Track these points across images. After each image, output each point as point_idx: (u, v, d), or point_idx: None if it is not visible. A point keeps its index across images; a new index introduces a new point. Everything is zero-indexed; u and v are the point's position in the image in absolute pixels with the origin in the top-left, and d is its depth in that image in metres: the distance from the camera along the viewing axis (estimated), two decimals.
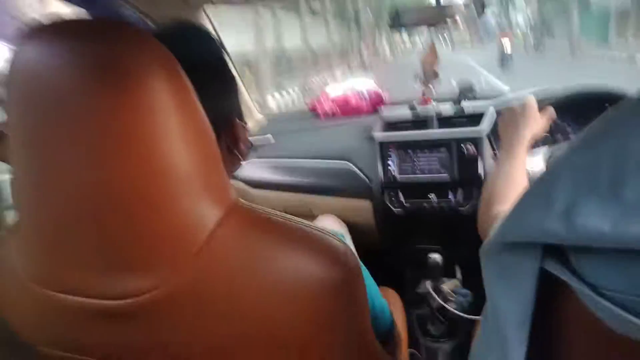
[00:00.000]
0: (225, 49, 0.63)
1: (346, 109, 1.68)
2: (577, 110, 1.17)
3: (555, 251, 0.34)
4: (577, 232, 0.29)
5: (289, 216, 0.43)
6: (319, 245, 0.42)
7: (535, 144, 1.19)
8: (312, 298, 0.40)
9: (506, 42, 12.80)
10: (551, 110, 0.90)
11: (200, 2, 1.15)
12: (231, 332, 0.38)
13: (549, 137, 1.21)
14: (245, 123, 0.66)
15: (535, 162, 0.99)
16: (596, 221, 0.28)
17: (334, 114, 1.68)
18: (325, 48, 17.40)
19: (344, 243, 0.45)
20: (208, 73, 0.58)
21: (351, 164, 1.40)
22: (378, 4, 26.95)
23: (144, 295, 0.36)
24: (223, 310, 0.38)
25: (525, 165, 0.79)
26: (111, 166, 0.34)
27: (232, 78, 0.63)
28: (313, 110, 1.74)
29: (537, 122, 0.86)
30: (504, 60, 12.82)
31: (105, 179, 0.34)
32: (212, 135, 0.40)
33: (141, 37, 0.37)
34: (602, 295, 0.30)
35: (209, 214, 0.38)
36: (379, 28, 29.88)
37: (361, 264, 0.62)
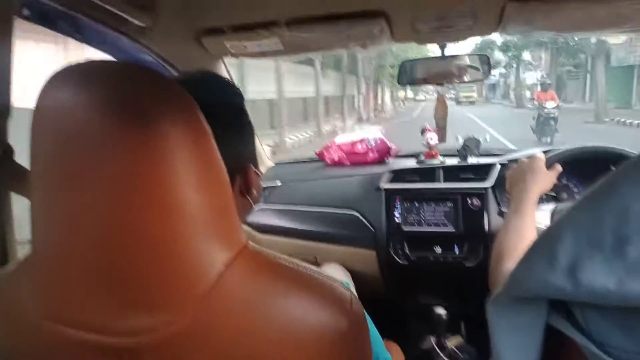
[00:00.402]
0: (243, 98, 0.66)
1: (353, 157, 1.71)
2: (582, 170, 1.20)
3: (561, 307, 0.34)
4: (582, 289, 0.30)
5: (297, 261, 0.44)
6: (327, 292, 0.42)
7: (541, 200, 1.21)
8: (319, 346, 0.40)
9: (549, 103, 9.45)
10: (558, 166, 0.91)
11: (221, 53, 1.21)
12: None
13: (554, 195, 1.23)
14: (260, 171, 0.68)
15: (542, 218, 1.01)
16: (601, 278, 0.29)
17: (341, 162, 1.72)
18: (336, 98, 18.10)
19: (351, 292, 0.45)
20: (227, 120, 0.60)
21: (357, 213, 1.42)
22: (379, 60, 25.32)
23: (151, 334, 0.36)
24: (229, 353, 0.38)
25: (534, 220, 0.79)
26: (126, 207, 0.35)
27: (250, 126, 0.65)
28: (321, 157, 1.77)
29: (545, 176, 0.86)
30: (544, 124, 9.44)
31: (120, 218, 0.35)
32: (227, 180, 0.41)
33: (163, 81, 0.38)
34: (607, 352, 0.30)
35: (219, 256, 0.38)
36: (381, 83, 28.94)
37: (366, 314, 0.62)
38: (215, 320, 0.38)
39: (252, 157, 0.64)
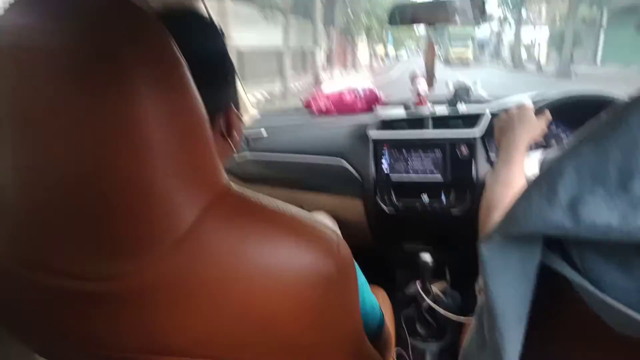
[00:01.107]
0: (225, 40, 0.62)
1: (341, 106, 1.67)
2: (571, 115, 1.18)
3: (557, 246, 0.33)
4: (583, 225, 0.29)
5: (282, 203, 0.42)
6: (313, 235, 0.41)
7: (530, 148, 1.19)
8: (305, 289, 0.39)
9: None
10: (547, 113, 0.89)
11: None
12: (216, 325, 0.37)
13: (543, 142, 1.22)
14: (241, 113, 0.65)
15: (530, 167, 1.00)
16: (603, 214, 0.28)
17: (328, 111, 1.67)
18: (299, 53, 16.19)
19: (338, 235, 0.44)
20: (208, 60, 0.57)
21: (344, 161, 1.40)
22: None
23: (126, 278, 0.35)
24: (210, 298, 0.36)
25: (524, 170, 0.78)
26: (93, 147, 0.32)
27: (232, 67, 0.62)
28: (308, 107, 1.73)
29: (534, 125, 0.85)
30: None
31: (87, 159, 0.32)
32: (204, 116, 0.38)
33: (133, 10, 0.35)
34: (604, 292, 0.29)
35: (195, 199, 0.36)
36: (352, 35, 23.20)
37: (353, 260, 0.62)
38: (195, 264, 0.36)
39: (233, 98, 0.62)
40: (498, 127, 0.90)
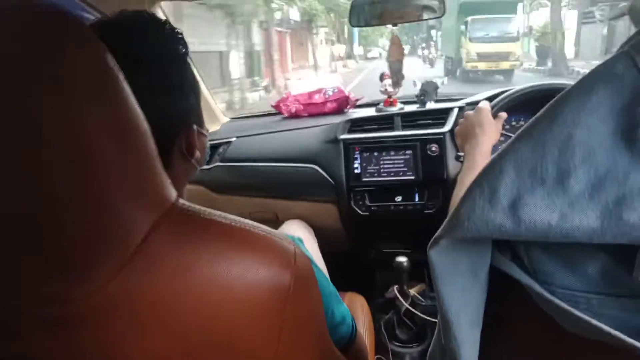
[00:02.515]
0: (186, 47, 0.58)
1: (311, 108, 1.64)
2: (536, 109, 1.18)
3: (505, 248, 0.33)
4: (523, 226, 0.28)
5: (234, 217, 0.41)
6: (267, 248, 0.40)
7: (498, 148, 1.20)
8: (261, 303, 0.38)
9: None
10: (503, 115, 0.90)
11: None
12: (173, 344, 0.36)
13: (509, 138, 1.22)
14: (206, 130, 0.62)
15: None
16: (543, 213, 0.28)
17: (298, 114, 1.65)
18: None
19: (295, 245, 0.43)
20: (166, 70, 0.54)
21: (317, 167, 1.37)
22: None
23: (76, 303, 0.33)
24: (163, 319, 0.36)
25: None
26: (33, 162, 0.30)
27: (193, 80, 0.59)
28: (277, 110, 1.70)
29: (493, 127, 0.85)
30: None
31: (29, 175, 0.30)
32: (146, 130, 0.37)
33: (62, 19, 0.33)
34: (552, 292, 0.29)
35: (143, 215, 0.35)
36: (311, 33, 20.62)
37: (317, 269, 0.60)
38: (145, 285, 0.35)
39: (195, 115, 0.58)
40: (458, 133, 0.90)
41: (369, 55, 36.93)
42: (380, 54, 34.88)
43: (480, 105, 0.88)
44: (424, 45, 26.65)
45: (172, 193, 0.39)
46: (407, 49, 36.14)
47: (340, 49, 26.65)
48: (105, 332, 0.35)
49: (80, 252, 0.33)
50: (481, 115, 0.86)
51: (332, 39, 25.68)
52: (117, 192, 0.34)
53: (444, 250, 0.36)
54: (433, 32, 31.74)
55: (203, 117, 0.61)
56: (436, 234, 0.37)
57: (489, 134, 0.83)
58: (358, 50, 33.99)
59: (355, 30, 23.36)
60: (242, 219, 0.41)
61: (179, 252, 0.37)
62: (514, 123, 1.25)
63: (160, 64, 0.53)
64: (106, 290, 0.34)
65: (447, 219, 0.36)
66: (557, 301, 0.28)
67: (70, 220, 0.32)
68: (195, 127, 0.57)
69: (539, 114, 0.31)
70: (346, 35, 30.16)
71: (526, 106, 1.17)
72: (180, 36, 0.57)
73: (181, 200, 0.40)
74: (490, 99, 1.19)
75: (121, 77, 0.35)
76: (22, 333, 0.35)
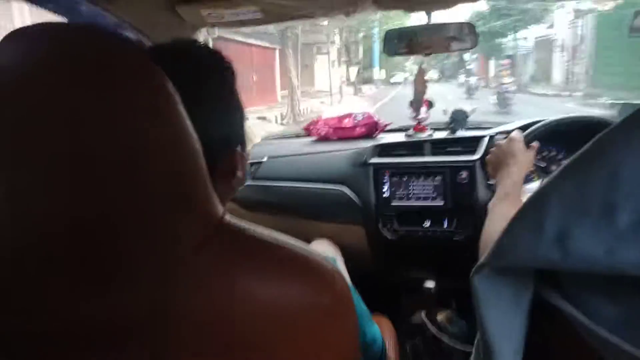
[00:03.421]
0: (234, 74, 0.62)
1: (341, 132, 1.68)
2: (567, 140, 1.18)
3: (549, 278, 0.33)
4: (571, 257, 0.29)
5: (278, 235, 0.42)
6: (309, 267, 0.41)
7: (530, 177, 1.19)
8: (301, 322, 0.39)
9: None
10: (535, 145, 0.90)
11: (197, 23, 1.15)
12: (215, 356, 0.36)
13: (544, 169, 1.22)
14: (247, 153, 0.65)
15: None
16: (590, 246, 0.28)
17: (328, 137, 1.68)
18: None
19: (334, 267, 0.43)
20: (215, 96, 0.57)
21: (346, 188, 1.39)
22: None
23: (124, 317, 0.34)
24: (206, 335, 0.36)
25: (521, 202, 0.78)
26: (84, 184, 0.32)
27: (239, 104, 0.62)
28: (308, 132, 1.74)
29: (525, 157, 0.85)
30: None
31: (79, 196, 0.32)
32: (198, 150, 0.38)
33: (123, 45, 0.35)
34: (595, 322, 0.29)
35: (193, 231, 0.36)
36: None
37: (353, 289, 0.60)
38: (191, 300, 0.36)
39: (239, 138, 0.61)
40: (490, 162, 0.91)
41: (392, 80, 34.20)
42: (406, 79, 32.05)
43: (512, 134, 0.89)
44: (462, 69, 25.37)
45: (220, 209, 0.40)
46: (434, 72, 34.29)
47: (351, 73, 22.63)
48: (143, 343, 0.35)
49: (130, 267, 0.34)
50: (514, 144, 0.86)
51: (344, 59, 22.10)
52: (171, 210, 0.35)
53: (487, 278, 0.37)
54: (467, 55, 30.32)
55: (246, 140, 0.64)
56: (480, 261, 0.37)
57: (521, 164, 0.83)
58: (379, 74, 29.94)
59: (376, 50, 22.01)
60: (285, 237, 0.42)
61: (223, 268, 0.37)
62: (545, 154, 1.25)
63: (211, 90, 0.56)
64: (152, 304, 0.35)
65: (491, 248, 0.36)
66: (602, 331, 0.28)
67: (121, 237, 0.33)
68: (238, 149, 0.60)
69: (583, 149, 0.31)
70: (360, 56, 26.60)
71: (558, 137, 1.17)
72: (228, 64, 0.61)
73: (228, 217, 0.41)
74: (522, 128, 1.19)
75: (178, 100, 0.37)
76: (67, 346, 0.36)
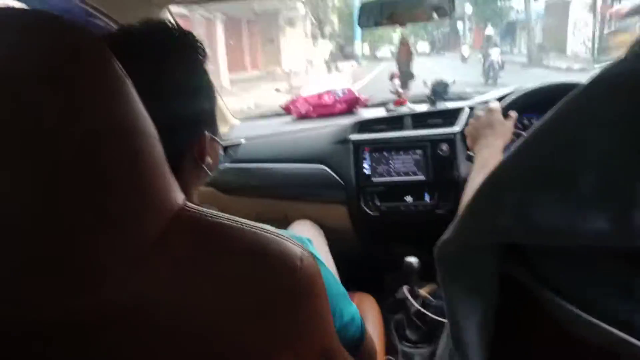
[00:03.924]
0: (205, 55, 0.59)
1: (321, 110, 1.65)
2: (548, 107, 1.16)
3: (515, 253, 0.33)
4: (532, 229, 0.28)
5: (241, 220, 0.41)
6: (273, 250, 0.41)
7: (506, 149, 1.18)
8: (268, 305, 0.39)
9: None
10: (513, 114, 0.89)
11: (163, 2, 1.09)
12: (181, 349, 0.36)
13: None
14: (220, 136, 0.62)
15: None
16: (551, 216, 0.27)
17: (308, 115, 1.65)
18: None
19: (303, 248, 0.43)
20: (184, 78, 0.54)
21: (326, 167, 1.37)
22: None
23: (88, 307, 0.34)
24: (171, 324, 0.36)
25: None
26: (46, 172, 0.31)
27: (210, 87, 0.59)
28: (287, 111, 1.70)
29: (504, 127, 0.85)
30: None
31: (41, 186, 0.31)
32: (154, 136, 0.37)
33: (71, 29, 0.34)
34: (562, 297, 0.29)
35: (154, 219, 0.36)
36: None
37: (327, 271, 0.59)
38: (154, 289, 0.36)
39: (210, 123, 0.59)
40: (469, 134, 0.90)
41: (378, 54, 30.74)
42: (393, 53, 27.78)
43: (490, 105, 0.87)
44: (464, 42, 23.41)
45: (180, 197, 0.40)
46: (425, 45, 32.41)
47: (324, 49, 19.14)
48: (113, 341, 0.35)
49: (89, 257, 0.34)
50: (492, 115, 0.85)
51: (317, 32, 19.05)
52: (124, 194, 0.34)
53: (451, 253, 0.36)
54: (460, 24, 28.66)
55: (217, 125, 0.62)
56: (443, 237, 0.37)
57: (500, 134, 0.83)
58: (361, 48, 26.47)
59: (355, 27, 18.74)
60: (248, 222, 0.42)
61: (187, 255, 0.37)
62: (525, 122, 1.23)
63: (177, 71, 0.54)
64: (118, 294, 0.34)
65: (454, 222, 0.36)
66: (568, 306, 0.28)
67: (78, 223, 0.33)
68: (207, 133, 0.58)
69: (546, 115, 0.30)
70: (337, 29, 24.56)
71: (538, 105, 1.15)
72: (199, 44, 0.58)
73: (189, 204, 0.40)
74: (500, 98, 1.18)
75: (128, 83, 0.36)
76: (39, 338, 0.35)
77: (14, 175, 0.31)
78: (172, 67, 0.54)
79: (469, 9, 25.48)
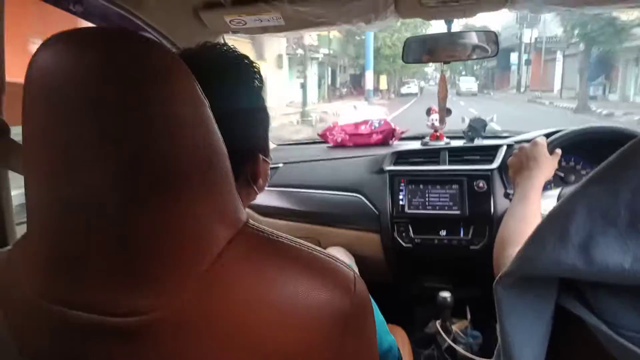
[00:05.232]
0: (262, 81, 0.62)
1: (357, 139, 1.68)
2: (589, 151, 1.17)
3: (571, 287, 0.33)
4: (595, 267, 0.29)
5: (299, 240, 0.42)
6: (329, 272, 0.41)
7: (548, 185, 1.18)
8: (321, 326, 0.39)
9: None
10: (558, 151, 0.89)
11: (220, 29, 1.16)
12: (236, 358, 0.37)
13: (563, 178, 1.20)
14: (270, 159, 0.65)
15: (548, 204, 0.98)
16: (615, 256, 0.28)
17: (344, 144, 1.68)
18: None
19: (355, 272, 0.44)
20: (242, 101, 0.57)
21: (361, 196, 1.39)
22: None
23: (150, 314, 0.35)
24: (229, 333, 0.37)
25: (540, 207, 0.77)
26: (123, 182, 0.33)
27: (265, 111, 0.62)
28: (324, 139, 1.74)
29: (547, 163, 0.84)
30: None
31: (117, 195, 0.33)
32: (225, 153, 0.39)
33: (159, 50, 0.36)
34: (618, 333, 0.29)
35: (220, 232, 0.37)
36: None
37: (371, 298, 0.60)
38: (215, 299, 0.37)
39: (263, 144, 0.61)
40: (511, 164, 0.89)
41: (404, 90, 26.66)
42: (422, 90, 25.26)
43: (537, 139, 0.87)
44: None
45: (244, 214, 0.41)
46: (468, 81, 28.41)
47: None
48: (173, 344, 0.36)
49: (158, 266, 0.35)
50: (537, 148, 0.85)
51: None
52: (201, 212, 0.36)
53: (511, 287, 0.36)
54: (513, 55, 25.30)
55: (269, 147, 0.64)
56: (504, 270, 0.37)
57: (544, 169, 0.83)
58: (376, 82, 21.15)
59: (370, 48, 17.59)
60: (305, 242, 0.42)
61: (247, 270, 0.38)
62: (563, 164, 1.24)
63: (239, 95, 0.57)
64: (181, 305, 0.35)
65: (515, 256, 0.36)
66: (623, 342, 0.28)
67: (153, 237, 0.34)
68: (261, 155, 0.60)
69: (611, 158, 0.31)
70: (335, 54, 19.74)
71: (578, 147, 1.16)
72: (256, 70, 0.61)
73: (251, 222, 0.42)
74: (548, 135, 1.18)
75: (207, 103, 0.38)
76: (92, 342, 0.37)
77: (99, 183, 0.33)
78: (235, 90, 0.56)
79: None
